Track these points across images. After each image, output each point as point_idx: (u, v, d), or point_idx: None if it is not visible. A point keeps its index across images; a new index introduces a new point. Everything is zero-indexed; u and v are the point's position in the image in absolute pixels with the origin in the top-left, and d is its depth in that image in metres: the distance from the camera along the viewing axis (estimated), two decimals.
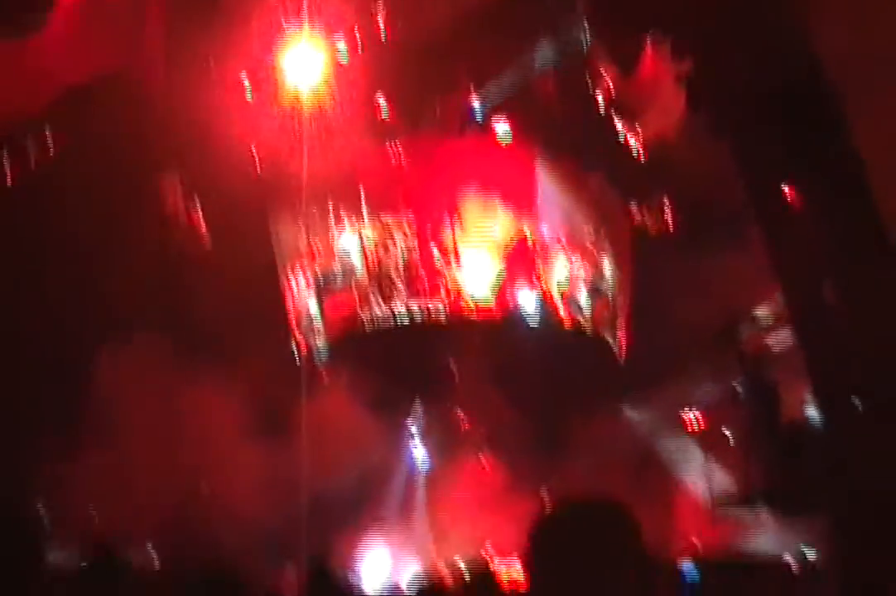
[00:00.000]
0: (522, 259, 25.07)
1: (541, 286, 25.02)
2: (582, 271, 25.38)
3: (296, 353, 24.83)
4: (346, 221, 25.03)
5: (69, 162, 21.04)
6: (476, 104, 24.94)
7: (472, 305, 24.82)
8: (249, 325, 22.79)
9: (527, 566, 3.07)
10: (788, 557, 11.57)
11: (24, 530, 3.64)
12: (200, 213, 23.85)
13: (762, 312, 20.07)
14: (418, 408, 26.72)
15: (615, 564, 2.93)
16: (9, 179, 21.54)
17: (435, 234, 24.92)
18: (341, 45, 22.70)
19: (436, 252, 24.87)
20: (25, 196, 20.63)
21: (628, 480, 22.30)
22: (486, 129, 25.09)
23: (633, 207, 24.91)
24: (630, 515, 3.09)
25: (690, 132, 20.06)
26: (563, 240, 25.32)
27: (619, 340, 25.20)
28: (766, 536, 16.70)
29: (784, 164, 16.10)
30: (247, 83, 22.62)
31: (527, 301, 24.94)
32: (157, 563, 19.75)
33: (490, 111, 25.01)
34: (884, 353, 13.50)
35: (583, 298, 25.26)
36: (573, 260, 25.36)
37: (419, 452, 27.08)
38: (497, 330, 24.88)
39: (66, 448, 20.80)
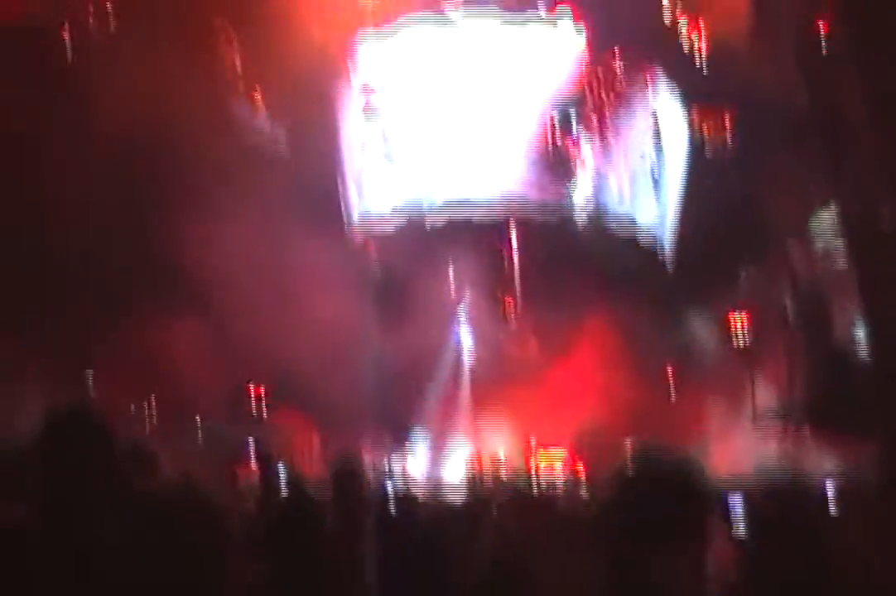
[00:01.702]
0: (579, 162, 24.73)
1: (597, 188, 24.74)
2: (636, 173, 25.07)
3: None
4: None
5: None
6: None
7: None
8: None
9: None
10: (830, 480, 11.49)
11: None
12: None
13: (816, 230, 19.76)
14: (469, 296, 26.86)
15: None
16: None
17: None
18: None
19: None
20: None
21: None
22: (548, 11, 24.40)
23: (693, 112, 24.44)
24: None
25: (755, 38, 19.60)
26: (623, 146, 24.91)
27: (669, 245, 25.07)
28: (808, 456, 16.75)
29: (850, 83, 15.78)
30: None
31: (581, 199, 24.67)
32: None
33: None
34: None
35: (636, 201, 25.01)
36: (629, 162, 25.03)
37: (467, 339, 27.32)
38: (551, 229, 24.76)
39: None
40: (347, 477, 6.82)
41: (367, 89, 25.00)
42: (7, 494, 3.53)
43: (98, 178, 21.26)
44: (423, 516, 6.54)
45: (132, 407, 22.20)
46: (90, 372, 22.41)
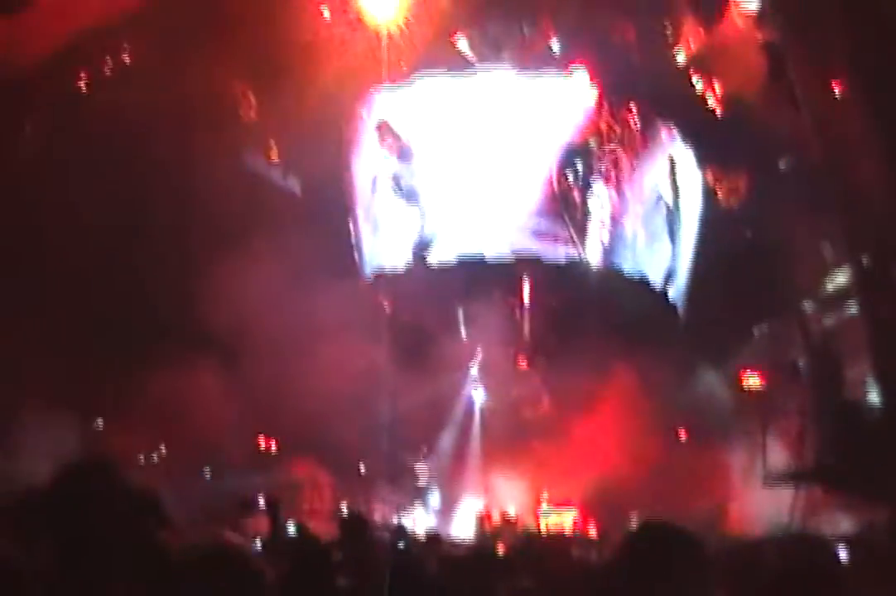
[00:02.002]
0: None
1: (610, 240, 24.80)
2: (650, 227, 25.14)
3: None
4: None
5: None
6: (555, 44, 24.45)
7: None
8: None
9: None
10: (839, 540, 11.37)
11: None
12: None
13: (829, 286, 19.77)
14: (482, 350, 26.86)
15: None
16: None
17: None
18: None
19: None
20: None
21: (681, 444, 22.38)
22: (562, 68, 24.55)
23: (708, 167, 24.59)
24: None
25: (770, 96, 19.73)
26: (637, 199, 25.01)
27: (682, 300, 25.11)
28: (818, 516, 16.65)
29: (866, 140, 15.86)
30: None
31: (596, 252, 24.71)
32: None
33: (568, 54, 24.49)
34: None
35: (649, 255, 25.07)
36: (642, 215, 25.11)
37: (479, 394, 27.30)
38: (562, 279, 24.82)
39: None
40: (357, 531, 6.81)
41: (382, 139, 25.21)
42: (19, 539, 3.53)
43: (113, 227, 21.44)
44: (432, 571, 6.50)
45: (142, 457, 22.24)
46: (100, 421, 22.47)
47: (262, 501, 11.36)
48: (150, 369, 20.56)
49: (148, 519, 3.80)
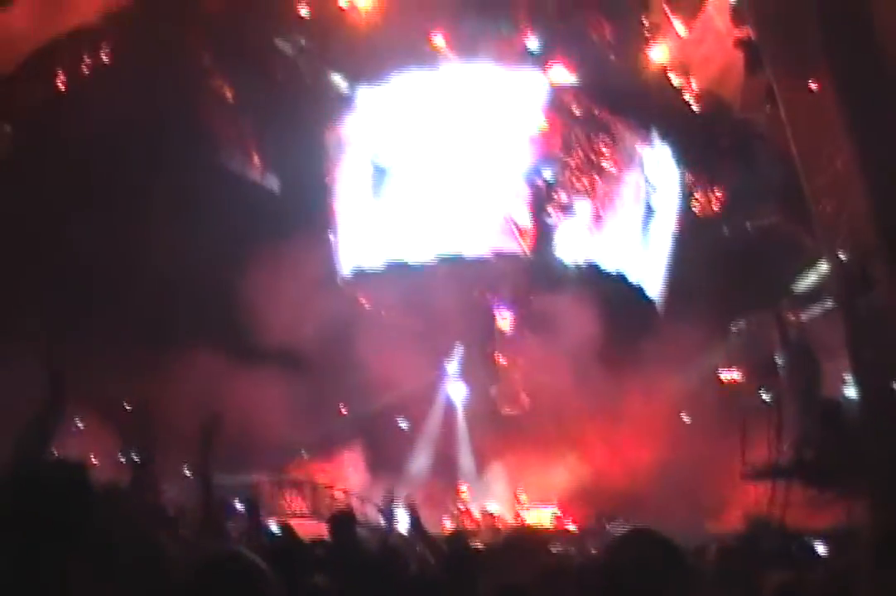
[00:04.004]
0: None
1: (587, 237, 24.79)
2: (627, 224, 25.15)
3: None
4: None
5: None
6: (532, 41, 24.45)
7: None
8: None
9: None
10: (816, 536, 11.43)
11: None
12: None
13: (806, 282, 19.85)
14: (459, 350, 26.89)
15: None
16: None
17: None
18: None
19: None
20: None
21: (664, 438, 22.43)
22: (539, 66, 24.54)
23: (685, 167, 24.64)
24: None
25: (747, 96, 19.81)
26: (612, 194, 24.99)
27: (659, 298, 25.15)
28: (796, 511, 16.70)
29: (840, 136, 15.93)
30: None
31: (574, 249, 24.71)
32: None
33: (545, 51, 24.49)
34: None
35: (626, 250, 25.08)
36: (618, 214, 25.11)
37: (457, 391, 27.34)
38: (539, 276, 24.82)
39: None
40: (343, 529, 6.79)
41: (360, 136, 25.13)
42: None
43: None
44: (414, 568, 6.51)
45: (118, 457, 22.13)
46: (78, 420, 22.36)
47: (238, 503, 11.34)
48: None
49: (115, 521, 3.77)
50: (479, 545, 8.03)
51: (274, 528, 8.37)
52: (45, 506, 3.27)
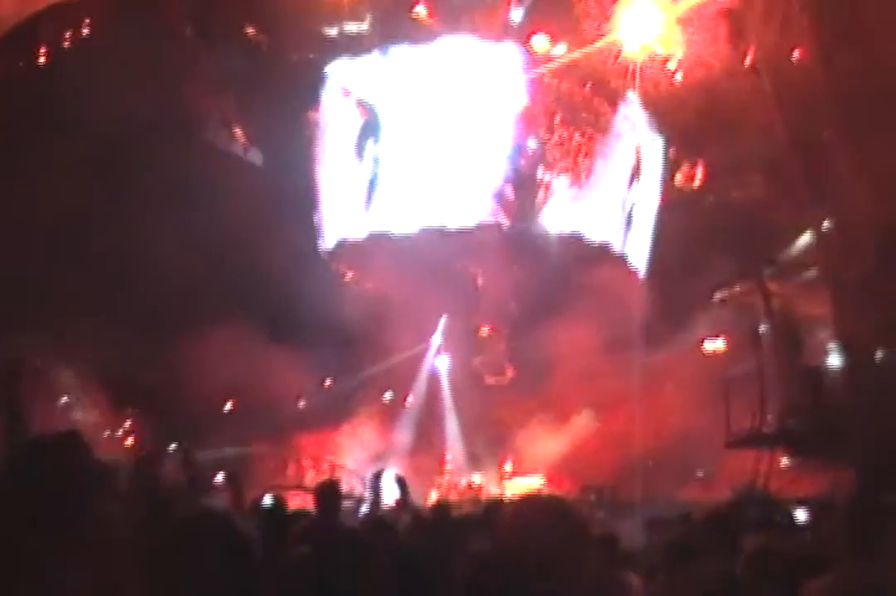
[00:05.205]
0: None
1: (571, 208, 24.76)
2: (610, 194, 25.13)
3: None
4: None
5: None
6: (515, 12, 24.28)
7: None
8: None
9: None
10: (799, 503, 11.53)
11: None
12: None
13: (790, 251, 19.88)
14: (445, 321, 26.92)
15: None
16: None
17: None
18: None
19: None
20: None
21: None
22: (523, 37, 24.38)
23: (669, 139, 24.60)
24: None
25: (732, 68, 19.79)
26: (596, 165, 24.95)
27: (643, 267, 25.18)
28: (778, 478, 16.83)
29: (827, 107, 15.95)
30: None
31: (558, 219, 24.67)
32: None
33: (529, 22, 24.34)
34: None
35: (610, 220, 25.07)
36: (602, 184, 25.08)
37: (443, 362, 27.40)
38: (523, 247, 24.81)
39: None
40: (328, 499, 6.82)
41: (344, 109, 25.04)
42: None
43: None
44: (397, 538, 6.54)
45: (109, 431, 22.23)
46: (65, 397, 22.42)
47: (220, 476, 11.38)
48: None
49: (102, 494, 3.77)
50: (462, 514, 8.07)
51: (266, 499, 8.38)
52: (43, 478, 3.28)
